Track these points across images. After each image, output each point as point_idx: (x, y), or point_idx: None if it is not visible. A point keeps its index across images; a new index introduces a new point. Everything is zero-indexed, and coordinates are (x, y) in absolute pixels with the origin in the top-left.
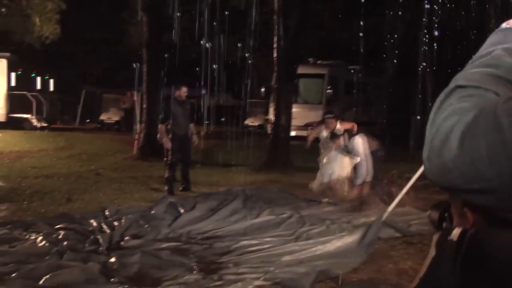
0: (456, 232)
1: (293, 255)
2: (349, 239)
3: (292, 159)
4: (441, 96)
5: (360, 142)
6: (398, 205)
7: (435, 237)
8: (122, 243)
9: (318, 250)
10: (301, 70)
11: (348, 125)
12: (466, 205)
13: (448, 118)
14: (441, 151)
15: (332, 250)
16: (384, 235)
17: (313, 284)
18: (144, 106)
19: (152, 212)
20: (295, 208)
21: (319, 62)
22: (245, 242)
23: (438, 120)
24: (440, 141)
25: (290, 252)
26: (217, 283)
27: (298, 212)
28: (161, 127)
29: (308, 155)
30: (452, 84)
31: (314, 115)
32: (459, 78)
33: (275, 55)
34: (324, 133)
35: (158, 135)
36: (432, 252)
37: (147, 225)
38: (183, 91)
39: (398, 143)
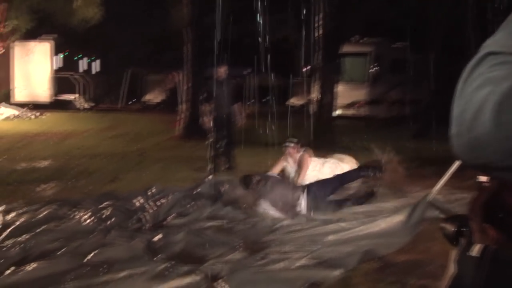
0: (477, 248)
1: (337, 234)
2: (394, 220)
3: (337, 139)
4: (470, 64)
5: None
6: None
7: (454, 254)
8: (166, 221)
9: (362, 230)
10: (345, 48)
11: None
12: (486, 220)
13: (480, 89)
14: (472, 125)
15: (377, 230)
16: (429, 216)
17: (358, 264)
18: (187, 86)
19: (196, 191)
20: None
21: (363, 40)
22: (288, 222)
23: (467, 91)
24: (471, 114)
25: (334, 232)
26: (261, 261)
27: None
28: (201, 107)
29: (354, 134)
30: (482, 51)
31: (358, 94)
32: (490, 44)
33: (319, 33)
34: (290, 167)
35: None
36: (452, 268)
37: (190, 205)
38: (222, 70)
39: (444, 122)
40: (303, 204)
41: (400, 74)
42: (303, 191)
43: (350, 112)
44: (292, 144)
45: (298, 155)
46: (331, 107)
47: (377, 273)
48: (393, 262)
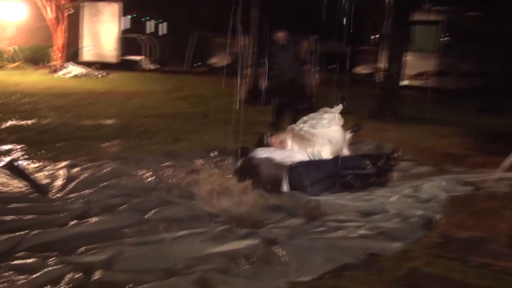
0: None
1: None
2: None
3: (403, 109)
4: None
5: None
6: None
7: None
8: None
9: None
10: (416, 16)
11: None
12: None
13: None
14: None
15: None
16: (496, 191)
17: (419, 238)
18: (253, 51)
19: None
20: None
21: (435, 8)
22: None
23: None
24: None
25: (394, 203)
26: (320, 229)
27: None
28: (258, 70)
29: (419, 105)
30: None
31: (427, 64)
32: None
33: (388, 0)
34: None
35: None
36: None
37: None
38: (280, 35)
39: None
40: (285, 184)
41: (472, 44)
42: (286, 172)
43: (417, 82)
44: (269, 139)
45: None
46: (398, 76)
47: (438, 248)
48: (455, 238)
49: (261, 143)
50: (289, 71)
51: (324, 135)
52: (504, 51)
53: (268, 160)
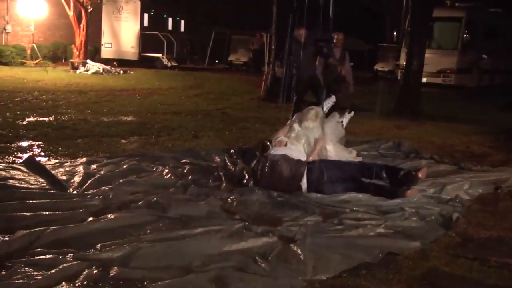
0: None
1: (416, 206)
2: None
3: (423, 107)
4: None
5: None
6: None
7: None
8: (244, 181)
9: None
10: (437, 13)
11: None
12: None
13: None
14: None
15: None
16: None
17: (438, 237)
18: (273, 47)
19: None
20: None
21: (457, 4)
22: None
23: None
24: None
25: (413, 202)
26: (338, 227)
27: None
28: (276, 63)
29: (439, 103)
30: None
31: (448, 61)
32: None
33: None
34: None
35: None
36: None
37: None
38: (300, 32)
39: None
40: (304, 182)
41: (494, 41)
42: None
43: (438, 80)
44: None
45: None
46: (419, 74)
47: (458, 247)
48: (475, 237)
49: (265, 150)
50: (308, 69)
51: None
52: None
53: (287, 157)
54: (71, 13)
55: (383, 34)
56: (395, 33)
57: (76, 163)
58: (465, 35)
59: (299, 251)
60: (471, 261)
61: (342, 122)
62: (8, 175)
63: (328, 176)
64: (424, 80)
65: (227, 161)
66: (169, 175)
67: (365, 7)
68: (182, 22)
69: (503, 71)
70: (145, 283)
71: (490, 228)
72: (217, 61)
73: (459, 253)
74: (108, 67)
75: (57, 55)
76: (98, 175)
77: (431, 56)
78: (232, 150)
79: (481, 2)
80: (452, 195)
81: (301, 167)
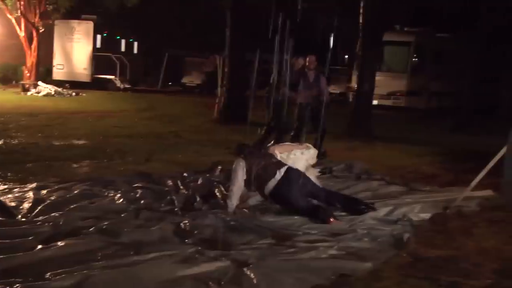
0: None
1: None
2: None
3: (374, 129)
4: None
5: None
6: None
7: None
8: (196, 205)
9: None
10: (386, 37)
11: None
12: None
13: None
14: None
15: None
16: (466, 211)
17: (389, 258)
18: (226, 70)
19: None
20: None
21: (406, 29)
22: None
23: None
24: None
25: (364, 223)
26: (291, 250)
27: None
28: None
29: (390, 125)
30: None
31: (398, 83)
32: None
33: (361, 21)
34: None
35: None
36: None
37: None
38: (299, 62)
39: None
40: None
41: (442, 65)
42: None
43: (388, 102)
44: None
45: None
46: (370, 96)
47: (409, 267)
48: (425, 256)
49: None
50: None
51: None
52: (473, 71)
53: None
54: (22, 33)
55: (334, 57)
56: (346, 56)
57: (25, 189)
58: (414, 59)
59: (252, 275)
60: (421, 280)
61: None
62: None
63: (302, 184)
64: (375, 102)
65: (179, 185)
66: (121, 200)
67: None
68: (136, 43)
69: (451, 94)
70: None
71: (440, 247)
72: (170, 83)
73: (410, 273)
74: (60, 89)
75: (7, 76)
76: (48, 201)
77: (382, 78)
78: (185, 174)
79: (429, 27)
80: (399, 214)
81: (281, 165)
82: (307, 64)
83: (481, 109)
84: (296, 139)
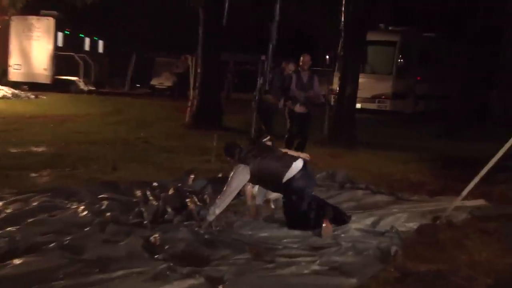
0: None
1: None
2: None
3: (358, 134)
4: None
5: None
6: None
7: None
8: (168, 216)
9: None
10: (370, 36)
11: None
12: None
13: None
14: None
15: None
16: (455, 222)
17: (376, 272)
18: (199, 71)
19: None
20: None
21: (390, 28)
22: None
23: None
24: None
25: (348, 236)
26: (269, 265)
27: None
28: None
29: (375, 130)
30: None
31: (383, 86)
32: None
33: (343, 20)
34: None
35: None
36: None
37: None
38: (289, 67)
39: (474, 118)
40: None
41: (429, 66)
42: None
43: (373, 105)
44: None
45: None
46: (353, 99)
47: (397, 283)
48: (414, 271)
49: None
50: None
51: None
52: (461, 74)
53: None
54: None
55: (315, 58)
56: (327, 57)
57: None
58: (400, 60)
59: None
60: None
61: None
62: None
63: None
64: (358, 105)
65: (149, 196)
66: (85, 212)
67: (295, 30)
68: (101, 42)
69: (439, 97)
70: None
71: (429, 260)
72: (138, 85)
73: None
74: (17, 91)
75: None
76: (3, 214)
77: (366, 81)
78: (154, 183)
79: (415, 26)
80: (386, 225)
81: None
82: (301, 64)
83: (470, 111)
84: (290, 143)
